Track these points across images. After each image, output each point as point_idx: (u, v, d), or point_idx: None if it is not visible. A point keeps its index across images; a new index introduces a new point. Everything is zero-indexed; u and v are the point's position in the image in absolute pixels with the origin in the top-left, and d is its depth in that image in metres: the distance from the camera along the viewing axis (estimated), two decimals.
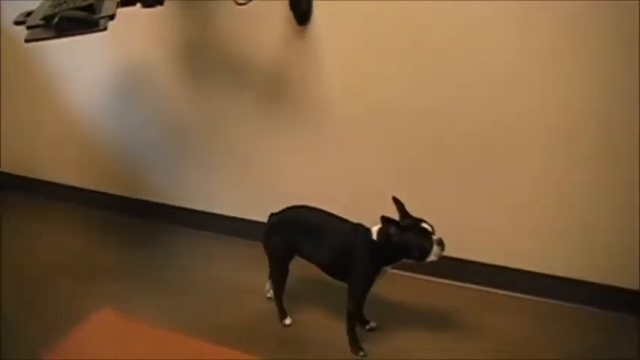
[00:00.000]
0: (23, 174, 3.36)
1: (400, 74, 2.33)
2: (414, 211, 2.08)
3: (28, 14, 2.06)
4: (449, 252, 2.01)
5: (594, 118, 2.12)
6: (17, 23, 2.03)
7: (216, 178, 2.89)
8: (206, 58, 2.63)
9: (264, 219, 2.31)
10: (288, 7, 2.32)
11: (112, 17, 1.89)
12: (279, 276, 2.30)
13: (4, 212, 3.19)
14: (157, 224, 3.07)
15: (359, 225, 2.13)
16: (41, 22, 1.86)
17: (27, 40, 1.80)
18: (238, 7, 2.14)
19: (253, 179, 2.80)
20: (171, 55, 2.69)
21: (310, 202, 2.27)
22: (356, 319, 2.20)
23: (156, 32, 2.64)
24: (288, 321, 2.33)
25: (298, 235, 2.22)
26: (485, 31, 2.14)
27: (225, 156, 2.82)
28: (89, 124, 3.07)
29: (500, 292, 2.48)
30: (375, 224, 2.07)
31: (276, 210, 2.30)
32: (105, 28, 1.83)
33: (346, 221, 2.18)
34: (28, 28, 1.87)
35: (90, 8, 1.90)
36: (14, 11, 2.01)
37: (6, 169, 3.38)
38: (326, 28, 2.36)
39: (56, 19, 1.80)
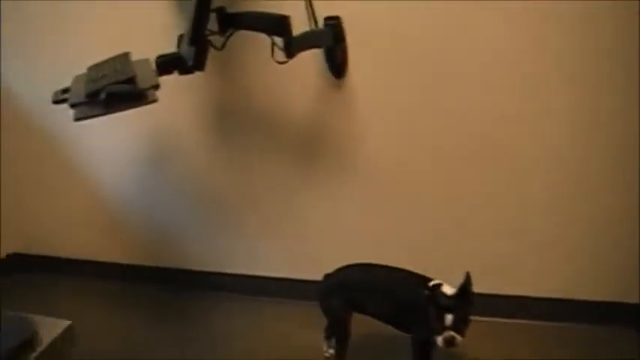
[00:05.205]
0: (50, 254, 3.23)
1: (439, 125, 2.33)
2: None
3: (64, 91, 2.02)
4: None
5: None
6: (56, 102, 1.99)
7: (252, 239, 2.81)
8: (237, 116, 2.58)
9: (307, 277, 2.32)
10: (324, 60, 2.30)
11: (156, 87, 1.85)
12: (340, 337, 2.21)
13: (35, 294, 3.07)
14: (195, 292, 2.95)
15: (423, 277, 2.03)
16: (86, 100, 1.80)
17: (77, 119, 1.74)
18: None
19: (290, 237, 2.73)
20: (200, 116, 2.64)
21: (353, 255, 2.22)
22: None
23: (183, 94, 2.57)
24: None
25: (359, 295, 2.15)
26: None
27: (261, 216, 2.74)
28: (115, 196, 2.99)
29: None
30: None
31: (318, 267, 2.23)
32: (155, 100, 1.78)
33: (406, 272, 2.10)
34: (72, 106, 1.81)
35: (132, 80, 1.86)
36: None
37: (33, 250, 3.26)
38: (362, 80, 2.34)
39: (103, 96, 1.75)
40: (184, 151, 2.75)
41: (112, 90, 1.76)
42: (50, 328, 1.22)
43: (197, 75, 2.08)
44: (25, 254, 3.27)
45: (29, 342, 1.12)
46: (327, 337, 2.35)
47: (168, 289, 3.01)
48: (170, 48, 2.11)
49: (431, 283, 1.96)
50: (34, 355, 1.10)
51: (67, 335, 1.22)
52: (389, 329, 2.14)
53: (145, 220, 3.00)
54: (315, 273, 2.26)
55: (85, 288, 3.11)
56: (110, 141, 2.84)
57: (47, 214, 3.17)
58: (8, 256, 3.25)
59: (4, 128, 2.98)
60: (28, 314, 1.24)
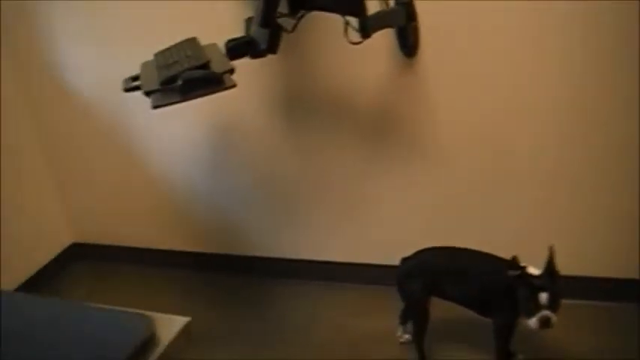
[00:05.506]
0: (116, 243, 3.24)
1: (508, 107, 2.26)
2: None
3: (134, 79, 1.99)
4: None
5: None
6: (128, 90, 1.95)
7: (323, 225, 2.76)
8: (307, 100, 2.52)
9: (378, 262, 2.30)
10: (396, 39, 2.22)
11: (231, 72, 1.81)
12: (419, 321, 2.18)
13: (106, 283, 3.12)
14: (267, 279, 2.93)
15: (504, 259, 1.96)
16: (160, 87, 1.77)
17: (155, 107, 1.71)
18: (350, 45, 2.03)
19: (362, 223, 2.67)
20: (268, 101, 2.58)
21: (426, 240, 2.19)
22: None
23: (250, 78, 2.49)
24: None
25: (439, 278, 2.10)
26: None
27: (333, 201, 2.69)
28: (182, 184, 2.96)
29: None
30: None
31: (391, 252, 2.22)
32: (234, 85, 1.74)
33: (486, 254, 2.06)
34: (147, 94, 1.78)
35: (207, 66, 1.82)
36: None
37: (98, 240, 3.28)
38: (434, 60, 2.26)
39: (180, 82, 1.71)
40: (252, 137, 2.70)
41: (189, 76, 1.72)
42: (167, 325, 1.17)
43: (264, 58, 2.02)
44: (90, 244, 3.29)
45: (147, 343, 1.08)
46: (403, 322, 2.34)
47: (241, 276, 2.99)
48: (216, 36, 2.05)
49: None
50: (153, 357, 1.06)
51: (185, 333, 1.17)
52: (464, 312, 2.12)
53: (213, 208, 2.96)
54: (387, 258, 2.26)
55: (152, 277, 3.11)
56: (176, 128, 2.80)
57: (113, 204, 3.17)
58: (71, 245, 3.27)
59: (67, 116, 2.98)
60: (144, 311, 1.20)
